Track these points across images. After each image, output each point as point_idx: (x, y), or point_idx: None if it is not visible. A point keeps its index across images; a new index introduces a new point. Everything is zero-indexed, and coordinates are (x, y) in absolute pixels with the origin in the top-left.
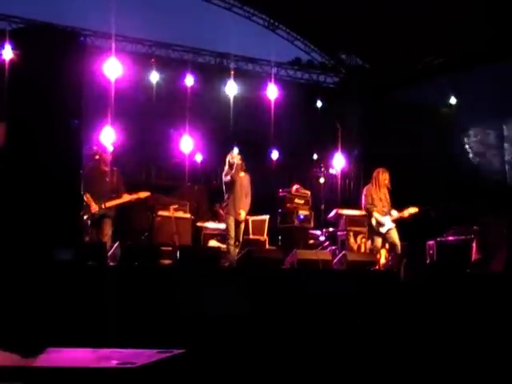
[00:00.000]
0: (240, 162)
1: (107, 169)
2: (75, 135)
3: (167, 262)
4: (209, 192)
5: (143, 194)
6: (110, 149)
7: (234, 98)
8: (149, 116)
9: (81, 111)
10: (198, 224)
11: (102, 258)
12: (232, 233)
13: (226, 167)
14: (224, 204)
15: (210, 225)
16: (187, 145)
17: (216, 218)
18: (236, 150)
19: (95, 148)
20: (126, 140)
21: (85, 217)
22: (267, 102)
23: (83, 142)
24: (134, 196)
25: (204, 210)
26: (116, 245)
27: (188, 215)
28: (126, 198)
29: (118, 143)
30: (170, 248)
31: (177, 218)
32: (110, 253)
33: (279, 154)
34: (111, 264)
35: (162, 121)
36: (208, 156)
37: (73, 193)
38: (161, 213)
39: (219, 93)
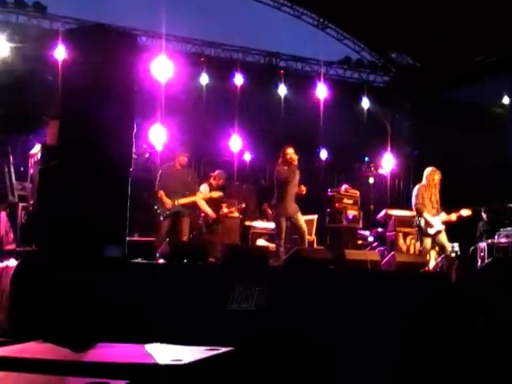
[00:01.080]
0: (296, 159)
1: (181, 168)
2: (127, 134)
3: (215, 260)
4: (257, 191)
5: (215, 194)
6: (160, 148)
7: (283, 97)
8: (198, 115)
9: (134, 111)
10: (246, 223)
11: (151, 256)
12: (282, 233)
13: (280, 164)
14: (273, 202)
15: (258, 224)
16: (236, 144)
17: (264, 217)
18: (291, 148)
19: (144, 146)
20: (175, 139)
21: (158, 211)
22: (316, 102)
23: (133, 141)
24: (207, 195)
25: (252, 209)
26: (165, 242)
27: (236, 214)
28: (199, 196)
29: (168, 142)
30: (219, 246)
31: (226, 217)
32: (159, 250)
33: (328, 154)
34: (160, 261)
35: (210, 120)
36: (256, 155)
37: (122, 190)
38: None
39: (268, 92)
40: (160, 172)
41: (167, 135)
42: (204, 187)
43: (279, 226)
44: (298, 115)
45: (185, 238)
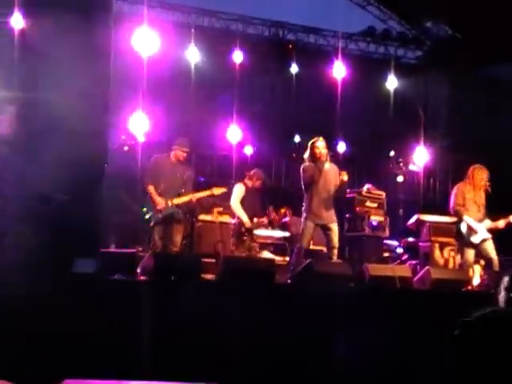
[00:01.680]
0: (325, 151)
1: (177, 162)
2: (100, 123)
3: (210, 276)
4: (260, 192)
5: (218, 191)
6: (141, 139)
7: (293, 78)
8: (188, 100)
9: (108, 91)
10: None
11: (132, 271)
12: (304, 239)
13: (306, 160)
14: (303, 207)
15: (262, 232)
16: (235, 135)
17: (269, 223)
18: (321, 141)
19: (123, 137)
20: (160, 128)
21: (146, 216)
22: (332, 83)
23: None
24: (206, 192)
25: (255, 213)
26: (148, 255)
27: (235, 220)
28: (198, 194)
29: (151, 132)
30: (214, 260)
31: (222, 224)
32: (141, 264)
33: (346, 146)
34: (142, 278)
35: (204, 106)
36: (260, 149)
37: (95, 191)
38: (202, 217)
39: (274, 71)
40: (151, 163)
41: (151, 124)
42: (239, 188)
43: (303, 230)
44: (310, 99)
45: (175, 249)
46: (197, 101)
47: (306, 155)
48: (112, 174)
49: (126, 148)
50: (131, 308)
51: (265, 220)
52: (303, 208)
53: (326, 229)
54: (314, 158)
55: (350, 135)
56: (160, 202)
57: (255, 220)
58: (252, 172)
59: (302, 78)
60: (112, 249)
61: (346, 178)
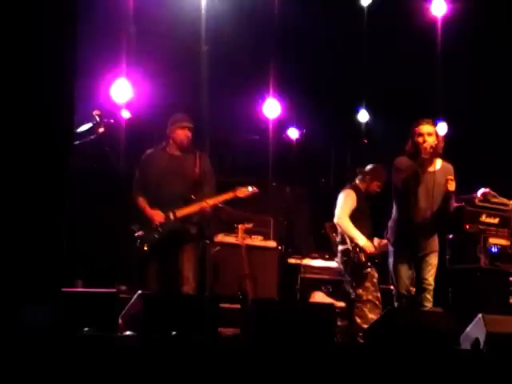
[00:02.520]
0: (430, 146)
1: (181, 153)
2: (63, 89)
3: (231, 331)
4: (312, 199)
5: (244, 191)
6: (125, 115)
7: (364, 14)
8: (196, 58)
9: (74, 44)
10: (292, 260)
11: (110, 323)
12: (403, 279)
13: (404, 153)
14: (390, 227)
15: (316, 262)
16: (272, 112)
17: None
18: (427, 124)
19: (97, 114)
20: (155, 101)
21: (138, 233)
22: (428, 26)
23: (76, 108)
24: (227, 194)
25: (303, 233)
26: (136, 297)
27: (272, 243)
28: (218, 198)
29: (142, 105)
30: (238, 305)
31: (251, 249)
32: (124, 312)
33: (448, 129)
34: (126, 334)
35: (220, 67)
36: (311, 132)
37: (54, 198)
38: (222, 238)
39: (331, 9)
40: (140, 162)
41: (138, 94)
42: (348, 196)
43: (395, 266)
44: (390, 54)
45: (186, 288)
46: (209, 60)
47: (407, 144)
48: (80, 171)
49: (101, 130)
50: (108, 382)
51: (384, 240)
52: (389, 228)
53: (419, 261)
54: (414, 149)
55: (455, 111)
56: (156, 215)
57: (376, 241)
58: (369, 168)
59: (378, 20)
60: (79, 288)
61: (452, 186)
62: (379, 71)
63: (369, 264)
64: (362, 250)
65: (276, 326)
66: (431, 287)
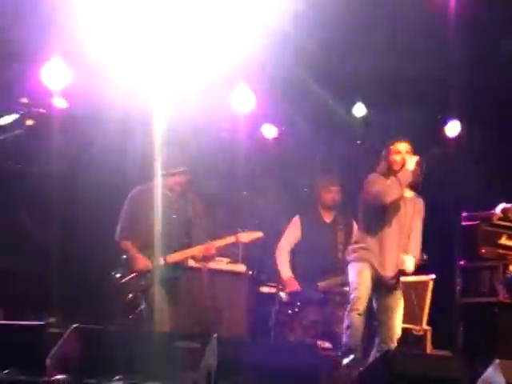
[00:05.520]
0: (412, 159)
1: (178, 190)
2: None
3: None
4: (292, 214)
5: (244, 237)
6: (60, 104)
7: None
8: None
9: None
10: (266, 289)
11: (37, 363)
12: (361, 303)
13: (378, 166)
14: (355, 245)
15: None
16: (244, 103)
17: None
18: (402, 143)
19: (23, 102)
20: (100, 86)
21: (121, 290)
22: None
23: None
24: (230, 239)
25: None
26: (69, 332)
27: (241, 267)
28: (218, 242)
29: (82, 92)
30: (198, 344)
31: (214, 273)
32: (54, 351)
33: (462, 128)
34: (55, 378)
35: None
36: (293, 130)
37: None
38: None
39: None
40: (127, 203)
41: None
42: None
43: (356, 286)
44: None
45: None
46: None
47: (381, 158)
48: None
49: (29, 122)
50: None
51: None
52: (351, 247)
53: (388, 287)
54: (389, 164)
55: (471, 105)
56: (140, 263)
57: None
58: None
59: None
60: None
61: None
62: (380, 54)
63: None
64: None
65: (245, 373)
66: (398, 328)
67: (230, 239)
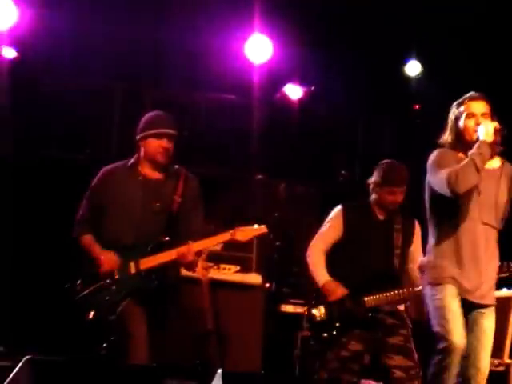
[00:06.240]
0: (490, 125)
1: (151, 170)
2: None
3: None
4: (324, 203)
5: (243, 234)
6: (8, 54)
7: None
8: None
9: None
10: (288, 307)
11: None
12: (456, 336)
13: (442, 144)
14: (431, 257)
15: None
16: (260, 55)
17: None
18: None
19: None
20: (61, 29)
21: (79, 290)
22: None
23: None
24: (224, 236)
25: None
26: (21, 364)
27: (255, 277)
28: (207, 242)
29: (35, 37)
30: (196, 381)
31: (219, 286)
32: None
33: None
34: None
35: None
36: (327, 91)
37: None
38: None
39: None
40: (92, 185)
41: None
42: None
43: (449, 329)
44: None
45: (140, 349)
46: None
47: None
48: None
49: None
50: None
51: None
52: (423, 261)
53: (476, 315)
54: (459, 137)
55: None
56: (107, 260)
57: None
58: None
59: None
60: None
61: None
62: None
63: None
64: None
65: None
66: (489, 353)
67: (223, 237)
